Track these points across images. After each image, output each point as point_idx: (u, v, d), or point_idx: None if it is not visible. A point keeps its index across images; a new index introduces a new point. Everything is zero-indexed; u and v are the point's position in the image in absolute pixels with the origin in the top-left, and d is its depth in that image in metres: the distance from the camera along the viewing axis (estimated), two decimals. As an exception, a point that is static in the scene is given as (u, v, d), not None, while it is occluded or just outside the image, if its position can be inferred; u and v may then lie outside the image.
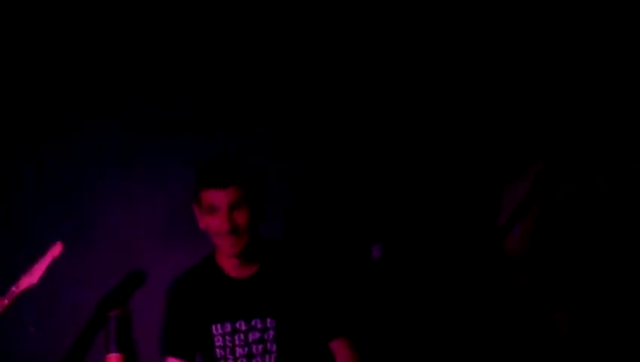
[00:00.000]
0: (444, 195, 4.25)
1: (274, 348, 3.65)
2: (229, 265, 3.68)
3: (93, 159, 4.44)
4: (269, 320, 3.65)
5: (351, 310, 3.79)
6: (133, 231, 4.41)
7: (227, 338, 3.66)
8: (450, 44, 4.26)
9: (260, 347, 3.65)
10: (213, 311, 3.68)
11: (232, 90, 4.41)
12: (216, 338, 3.67)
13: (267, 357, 3.65)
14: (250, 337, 3.65)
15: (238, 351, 3.66)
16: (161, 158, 4.42)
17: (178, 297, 3.74)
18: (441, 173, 4.26)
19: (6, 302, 3.99)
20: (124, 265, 4.37)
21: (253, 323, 3.65)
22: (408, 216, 4.26)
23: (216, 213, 3.55)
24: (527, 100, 4.16)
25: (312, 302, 3.68)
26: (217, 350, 3.67)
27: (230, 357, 3.66)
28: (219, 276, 3.70)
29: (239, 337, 3.66)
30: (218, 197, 3.53)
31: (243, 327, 3.66)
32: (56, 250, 4.02)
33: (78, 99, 4.42)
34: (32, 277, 3.99)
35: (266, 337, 3.65)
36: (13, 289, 4.00)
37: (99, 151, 4.44)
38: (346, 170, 4.32)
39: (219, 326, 3.67)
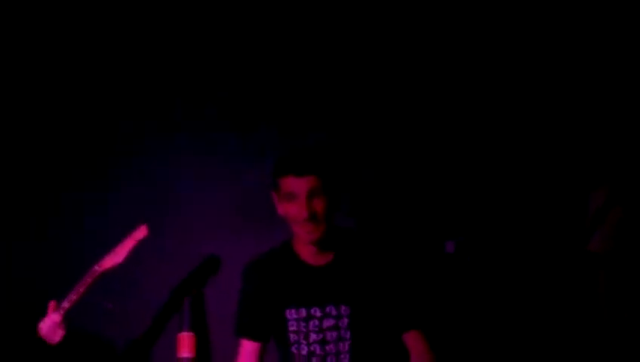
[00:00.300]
0: (528, 197, 4.25)
1: (348, 335, 3.67)
2: (306, 251, 3.70)
3: (169, 148, 4.54)
4: (343, 307, 3.67)
5: (424, 303, 3.79)
6: (206, 215, 4.46)
7: (301, 323, 3.69)
8: (544, 48, 4.27)
9: (334, 334, 3.67)
10: (288, 297, 3.71)
11: (306, 86, 4.46)
12: (290, 323, 3.70)
13: (341, 344, 3.67)
14: (325, 324, 3.67)
15: (312, 336, 3.68)
16: (233, 148, 4.50)
17: (254, 280, 3.78)
18: (526, 176, 4.28)
19: (89, 280, 4.04)
20: (197, 247, 4.42)
21: (327, 309, 3.67)
22: (486, 214, 4.27)
23: (295, 201, 3.58)
24: (620, 114, 4.17)
25: (386, 292, 3.69)
26: (291, 334, 3.70)
27: (304, 342, 3.69)
28: (295, 262, 3.73)
29: (314, 323, 3.68)
30: (297, 185, 3.57)
31: (317, 314, 3.68)
32: (141, 232, 4.06)
33: (159, 94, 4.52)
34: (116, 257, 4.03)
35: (340, 324, 3.67)
36: (96, 267, 4.05)
37: (176, 140, 4.52)
38: (428, 164, 4.35)
39: (293, 311, 3.70)
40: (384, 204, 4.35)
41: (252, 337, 3.77)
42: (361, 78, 4.42)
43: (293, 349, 3.70)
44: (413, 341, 3.71)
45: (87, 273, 4.04)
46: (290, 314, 3.70)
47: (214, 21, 4.49)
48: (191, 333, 4.19)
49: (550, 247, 4.12)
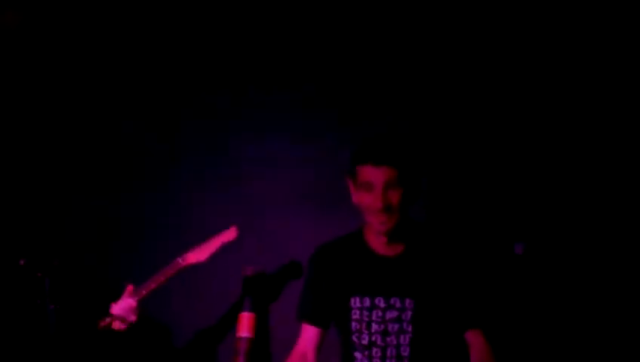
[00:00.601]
0: (601, 199, 4.18)
1: (410, 328, 3.65)
2: (377, 242, 3.68)
3: (244, 132, 4.53)
4: (407, 300, 3.64)
5: (489, 303, 3.75)
6: (277, 200, 4.45)
7: (364, 312, 3.67)
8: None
9: (396, 326, 3.65)
10: (354, 285, 3.69)
11: (382, 79, 4.43)
12: (353, 312, 3.68)
13: (402, 336, 3.65)
14: (388, 315, 3.65)
15: (374, 326, 3.66)
16: (307, 134, 4.49)
17: (322, 265, 3.77)
18: (601, 178, 4.20)
19: (170, 272, 4.03)
20: (267, 235, 4.41)
21: (392, 301, 3.65)
22: (558, 216, 4.21)
23: (371, 190, 3.56)
24: None
25: (453, 289, 3.67)
26: (353, 323, 3.69)
27: (365, 331, 3.67)
28: (365, 251, 3.71)
29: (377, 313, 3.66)
30: (375, 175, 3.55)
31: (381, 304, 3.66)
32: (230, 234, 4.04)
33: (238, 86, 4.53)
34: (201, 254, 4.02)
35: (403, 317, 3.65)
36: (179, 260, 4.04)
37: (248, 126, 4.53)
38: (503, 164, 4.30)
39: (357, 299, 3.68)
40: (456, 200, 4.33)
41: (314, 322, 3.76)
42: (439, 71, 4.39)
43: (354, 338, 3.69)
44: (475, 339, 3.68)
45: (169, 264, 4.04)
46: (355, 302, 3.68)
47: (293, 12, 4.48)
48: (251, 314, 4.19)
49: (622, 250, 4.06)
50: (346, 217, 3.87)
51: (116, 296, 4.04)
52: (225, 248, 4.06)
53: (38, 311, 4.05)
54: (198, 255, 4.02)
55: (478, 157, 4.32)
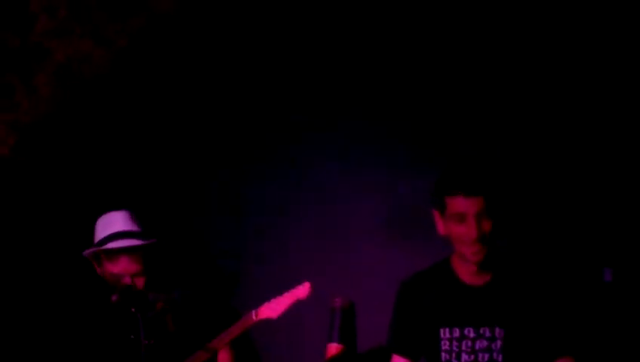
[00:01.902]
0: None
1: (500, 358, 3.62)
2: (466, 271, 3.67)
3: (321, 161, 4.59)
4: (497, 329, 3.62)
5: (579, 330, 3.72)
6: (356, 230, 4.48)
7: (454, 343, 3.65)
8: None
9: (486, 356, 3.62)
10: (443, 315, 3.68)
11: (461, 102, 4.46)
12: (443, 342, 3.67)
13: (493, 366, 3.63)
14: (477, 345, 3.63)
15: (464, 357, 3.64)
16: (381, 163, 4.52)
17: (410, 297, 3.76)
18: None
19: (244, 326, 4.07)
20: (348, 258, 4.43)
21: (481, 331, 3.63)
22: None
23: (463, 221, 3.53)
24: None
25: (542, 317, 3.63)
26: (443, 354, 3.67)
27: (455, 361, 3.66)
28: (453, 281, 3.70)
29: (466, 343, 3.64)
30: (467, 205, 3.52)
31: (471, 334, 3.64)
32: (303, 290, 4.02)
33: (309, 110, 4.60)
34: (274, 311, 4.01)
35: (493, 346, 3.62)
36: (253, 315, 4.07)
37: (324, 153, 4.57)
38: (589, 188, 4.26)
39: (447, 330, 3.66)
40: (543, 226, 4.29)
41: (405, 354, 3.76)
42: (516, 96, 4.37)
43: None
44: None
45: (243, 317, 4.07)
46: (444, 333, 3.67)
47: (387, 37, 4.52)
48: (340, 345, 4.20)
49: None
50: (431, 246, 3.86)
51: (211, 330, 4.08)
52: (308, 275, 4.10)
53: (131, 347, 4.13)
54: (271, 311, 4.00)
55: (563, 183, 4.29)
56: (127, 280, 4.18)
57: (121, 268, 4.20)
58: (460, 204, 3.53)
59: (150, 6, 4.63)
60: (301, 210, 4.58)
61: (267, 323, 4.02)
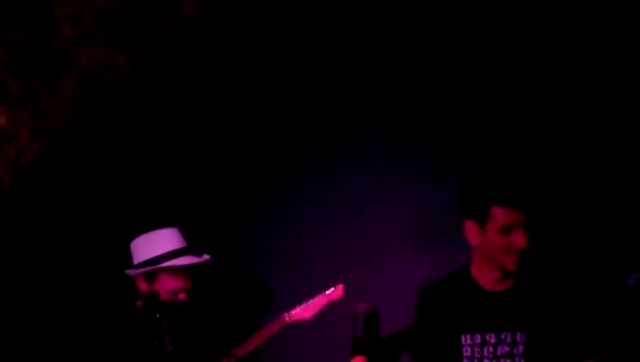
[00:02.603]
0: None
1: (522, 363, 3.61)
2: (487, 278, 3.67)
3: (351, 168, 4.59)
4: (519, 334, 3.62)
5: (602, 334, 3.71)
6: (380, 233, 4.49)
7: (476, 349, 3.66)
8: None
9: (508, 361, 3.62)
10: (464, 322, 3.69)
11: (472, 108, 4.45)
12: (464, 349, 3.68)
13: (514, 372, 3.63)
14: (499, 350, 3.63)
15: (486, 362, 3.66)
16: (405, 166, 4.52)
17: (431, 305, 3.78)
18: None
19: (275, 328, 4.09)
20: (369, 265, 4.44)
21: (502, 336, 3.63)
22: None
23: (509, 232, 3.51)
24: None
25: (564, 321, 3.62)
26: (465, 360, 3.68)
27: (478, 368, 3.67)
28: (472, 288, 3.71)
29: (488, 349, 3.65)
30: (517, 217, 3.50)
31: (492, 340, 3.64)
32: (336, 293, 4.06)
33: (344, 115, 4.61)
34: (307, 312, 4.06)
35: (515, 351, 3.62)
36: (286, 317, 4.10)
37: (349, 157, 4.60)
38: (613, 192, 4.24)
39: (468, 336, 3.67)
40: (565, 231, 4.27)
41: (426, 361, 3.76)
42: (540, 97, 4.36)
43: None
44: None
45: (274, 320, 4.09)
46: (466, 339, 3.67)
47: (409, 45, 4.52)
48: (364, 357, 4.20)
49: None
50: (455, 249, 3.86)
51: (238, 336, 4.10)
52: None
53: (157, 353, 4.16)
54: (304, 312, 4.05)
55: (587, 186, 4.27)
56: (182, 295, 4.20)
57: (181, 284, 4.23)
58: (509, 215, 3.50)
59: (172, 13, 4.66)
60: (325, 213, 4.59)
61: (293, 326, 4.03)
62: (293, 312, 4.07)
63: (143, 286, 4.29)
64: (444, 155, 4.47)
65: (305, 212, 4.61)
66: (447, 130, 4.49)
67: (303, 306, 4.06)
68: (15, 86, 4.67)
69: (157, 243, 4.28)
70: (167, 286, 4.23)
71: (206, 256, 4.31)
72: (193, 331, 4.30)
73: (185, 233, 4.34)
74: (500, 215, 3.51)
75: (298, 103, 4.66)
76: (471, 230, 3.59)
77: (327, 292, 4.05)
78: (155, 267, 4.23)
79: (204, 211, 4.77)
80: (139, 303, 4.20)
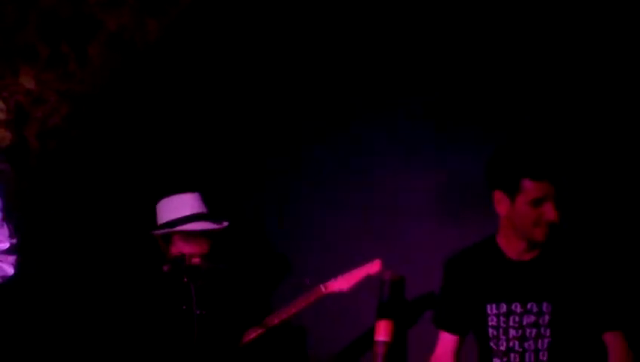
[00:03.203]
0: None
1: (548, 332, 3.62)
2: (514, 248, 3.66)
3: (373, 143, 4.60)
4: (545, 304, 3.61)
5: (628, 304, 3.70)
6: (405, 205, 4.50)
7: (501, 318, 3.66)
8: None
9: (534, 331, 3.63)
10: (490, 291, 3.68)
11: (498, 81, 4.43)
12: (490, 318, 3.68)
13: (540, 341, 3.63)
14: (525, 320, 3.64)
15: (512, 332, 3.65)
16: (430, 139, 4.53)
17: (457, 274, 3.78)
18: None
19: (312, 298, 4.12)
20: (395, 234, 4.45)
21: (529, 306, 3.63)
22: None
23: (541, 205, 3.51)
24: None
25: (590, 291, 3.61)
26: (490, 329, 3.69)
27: (503, 337, 3.66)
28: (499, 257, 3.69)
29: (514, 319, 3.65)
30: (548, 190, 3.49)
31: (518, 309, 3.64)
32: (374, 266, 4.08)
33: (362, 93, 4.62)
34: (344, 283, 4.08)
35: (540, 321, 3.62)
36: (322, 288, 4.12)
37: (374, 129, 4.60)
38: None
39: (494, 306, 3.67)
40: (590, 202, 4.26)
41: (451, 330, 3.79)
42: (568, 71, 4.33)
43: (492, 344, 3.69)
44: (614, 341, 3.62)
45: (311, 290, 4.12)
46: (491, 308, 3.68)
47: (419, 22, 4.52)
48: (389, 319, 4.23)
49: None
50: (480, 221, 3.87)
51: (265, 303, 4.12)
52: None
53: (184, 317, 4.19)
54: (341, 284, 4.07)
55: (609, 155, 4.26)
56: (196, 260, 4.23)
57: (193, 248, 4.26)
58: (541, 188, 3.49)
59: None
60: (351, 186, 4.60)
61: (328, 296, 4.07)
62: (330, 283, 4.10)
63: (163, 248, 4.30)
64: (470, 127, 4.45)
65: (331, 183, 4.62)
66: (474, 103, 4.47)
67: (340, 278, 4.09)
68: (45, 49, 4.67)
69: (174, 207, 4.32)
70: (180, 249, 4.25)
71: (224, 223, 4.31)
72: (220, 296, 4.32)
73: (209, 199, 4.35)
74: (530, 188, 3.50)
75: (326, 74, 4.66)
76: (500, 200, 3.58)
77: (364, 265, 4.07)
78: (170, 230, 4.27)
79: (236, 183, 4.79)
80: (166, 267, 4.23)
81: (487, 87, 4.43)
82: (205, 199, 4.36)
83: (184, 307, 4.23)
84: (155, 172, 4.74)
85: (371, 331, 4.26)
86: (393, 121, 4.56)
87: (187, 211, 4.28)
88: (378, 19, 4.59)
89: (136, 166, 4.82)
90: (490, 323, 3.68)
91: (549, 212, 3.51)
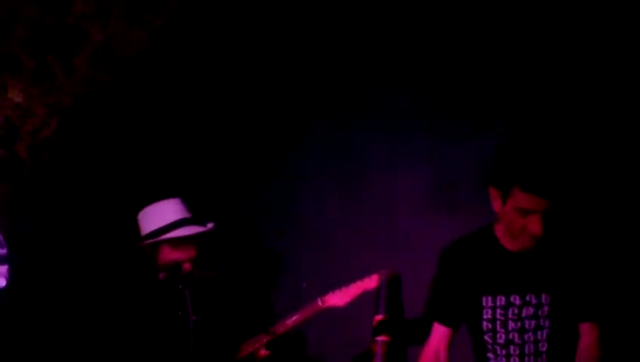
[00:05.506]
0: None
1: (547, 323, 3.61)
2: (511, 240, 3.64)
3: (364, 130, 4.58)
4: (544, 295, 3.60)
5: (611, 299, 3.68)
6: (401, 199, 4.49)
7: (498, 311, 3.64)
8: None
9: (533, 322, 3.62)
10: (486, 283, 3.67)
11: (494, 75, 4.42)
12: (484, 311, 3.66)
13: (539, 333, 3.62)
14: (524, 312, 3.62)
15: (511, 324, 3.64)
16: (426, 131, 4.52)
17: (452, 264, 3.76)
18: None
19: (309, 313, 4.11)
20: (390, 229, 4.44)
21: (527, 298, 3.62)
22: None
23: (527, 215, 3.48)
24: None
25: (589, 282, 3.60)
26: (484, 322, 3.67)
27: (501, 330, 3.65)
28: (496, 248, 3.67)
29: (512, 311, 3.63)
30: (538, 204, 3.46)
31: (517, 301, 3.63)
32: (372, 282, 4.07)
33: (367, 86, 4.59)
34: (341, 299, 4.07)
35: (540, 313, 3.61)
36: (319, 302, 4.11)
37: (369, 123, 4.58)
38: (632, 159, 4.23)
39: (490, 298, 3.66)
40: (587, 193, 4.25)
41: (444, 322, 3.78)
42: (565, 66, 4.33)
43: (486, 337, 3.68)
44: (588, 332, 3.60)
45: (308, 304, 4.11)
46: (487, 301, 3.66)
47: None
48: (386, 316, 4.21)
49: None
50: (476, 214, 3.84)
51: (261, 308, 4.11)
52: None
53: (180, 323, 4.17)
54: (338, 299, 4.06)
55: (608, 155, 4.25)
56: (187, 266, 4.21)
57: (182, 254, 4.23)
58: (530, 201, 3.46)
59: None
60: (346, 180, 4.59)
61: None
62: (327, 298, 4.09)
63: (151, 257, 4.29)
64: (466, 119, 4.44)
65: (323, 177, 4.61)
66: (469, 94, 4.46)
67: (337, 293, 4.08)
68: (30, 62, 4.66)
69: (155, 216, 4.27)
70: (168, 256, 4.22)
71: (210, 225, 4.29)
72: (216, 301, 4.30)
73: (191, 202, 4.33)
74: (521, 198, 3.47)
75: (315, 67, 4.65)
76: (494, 197, 3.57)
77: (362, 281, 4.06)
78: (155, 240, 4.23)
79: (231, 183, 4.78)
80: (161, 275, 4.21)
81: (487, 80, 4.44)
82: (186, 202, 4.32)
83: (180, 313, 4.20)
84: (145, 178, 4.71)
85: (370, 331, 4.24)
86: (388, 113, 4.55)
87: (171, 218, 4.25)
88: (370, 13, 4.58)
89: (129, 172, 4.79)
90: (484, 316, 3.66)
91: (533, 225, 3.48)
